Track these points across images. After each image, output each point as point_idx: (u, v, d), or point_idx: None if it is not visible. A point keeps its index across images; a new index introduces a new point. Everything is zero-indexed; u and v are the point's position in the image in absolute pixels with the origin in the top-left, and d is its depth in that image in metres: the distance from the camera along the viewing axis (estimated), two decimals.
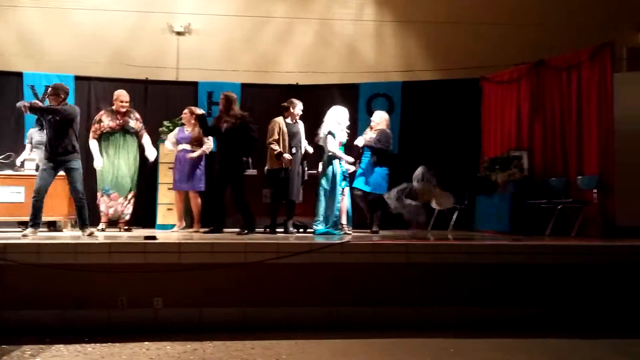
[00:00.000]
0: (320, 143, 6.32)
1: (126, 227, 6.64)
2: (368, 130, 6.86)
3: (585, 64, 6.85)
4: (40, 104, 6.20)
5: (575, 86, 6.96)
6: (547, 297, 4.55)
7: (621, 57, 8.24)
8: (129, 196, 6.62)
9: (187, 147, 6.83)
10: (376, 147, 6.58)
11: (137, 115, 6.80)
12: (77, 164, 5.63)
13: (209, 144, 6.90)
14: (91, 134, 6.65)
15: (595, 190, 6.49)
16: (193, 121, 6.83)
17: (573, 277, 4.58)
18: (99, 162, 6.55)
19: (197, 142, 6.85)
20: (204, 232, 6.39)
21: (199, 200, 6.87)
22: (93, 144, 6.60)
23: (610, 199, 6.46)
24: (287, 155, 6.27)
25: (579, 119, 6.89)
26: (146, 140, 6.79)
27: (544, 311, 4.51)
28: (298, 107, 6.58)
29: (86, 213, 5.63)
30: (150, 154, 6.75)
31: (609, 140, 6.50)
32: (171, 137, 7.06)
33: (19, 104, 5.73)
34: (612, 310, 4.50)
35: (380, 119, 6.83)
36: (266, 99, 8.56)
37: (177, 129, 7.14)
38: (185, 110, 7.02)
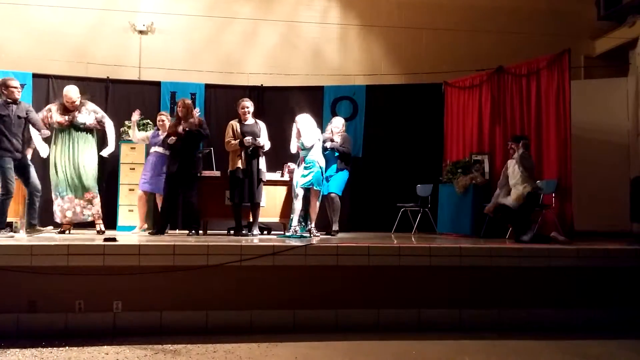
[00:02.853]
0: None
1: (99, 230, 6.12)
2: (329, 134, 6.83)
3: (544, 71, 7.06)
4: None
5: (534, 92, 7.17)
6: (508, 298, 4.66)
7: (578, 65, 8.55)
8: (88, 197, 6.09)
9: (160, 150, 6.73)
10: (344, 150, 6.68)
11: (93, 108, 6.24)
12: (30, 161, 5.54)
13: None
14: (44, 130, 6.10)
15: (554, 195, 6.68)
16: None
17: (535, 279, 4.70)
18: (43, 152, 6.13)
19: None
20: (150, 234, 6.25)
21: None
22: (37, 135, 6.06)
23: (569, 203, 6.66)
24: (247, 138, 6.26)
25: (538, 124, 7.09)
26: (109, 128, 6.26)
27: (504, 312, 4.61)
28: (240, 107, 6.47)
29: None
30: (109, 146, 6.26)
31: (567, 145, 6.70)
32: (144, 136, 7.07)
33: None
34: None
35: (342, 125, 6.95)
36: (230, 100, 8.49)
37: (151, 131, 7.11)
38: (163, 117, 6.93)
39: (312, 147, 6.42)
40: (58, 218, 6.12)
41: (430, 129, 8.46)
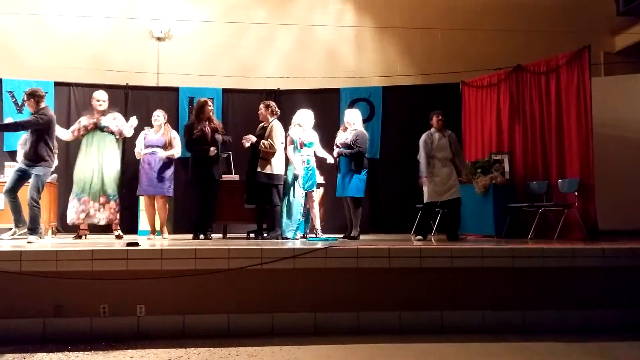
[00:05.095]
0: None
1: (117, 235, 6.34)
2: (341, 131, 6.61)
3: (563, 69, 6.98)
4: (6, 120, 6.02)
5: (554, 90, 7.08)
6: (532, 299, 4.61)
7: (598, 62, 8.43)
8: (102, 200, 6.21)
9: (156, 150, 6.52)
10: (353, 151, 6.35)
11: (117, 116, 6.48)
12: (38, 170, 5.54)
13: (178, 149, 6.71)
14: (70, 132, 6.41)
15: (576, 194, 6.59)
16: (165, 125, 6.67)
17: (560, 279, 4.64)
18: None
19: (168, 147, 6.59)
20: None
21: (167, 205, 6.74)
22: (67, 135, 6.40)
23: (592, 202, 6.55)
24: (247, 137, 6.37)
25: (559, 122, 7.00)
26: (126, 130, 6.42)
27: (529, 314, 4.56)
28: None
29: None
30: (127, 129, 6.39)
31: (589, 143, 6.60)
32: (139, 143, 6.68)
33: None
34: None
35: (355, 118, 6.55)
36: (247, 104, 8.57)
37: (141, 134, 6.71)
38: (159, 114, 6.69)
39: (310, 145, 6.38)
40: (71, 219, 6.24)
41: (448, 129, 8.39)
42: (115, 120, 6.39)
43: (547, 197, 6.96)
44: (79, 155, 6.34)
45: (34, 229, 5.53)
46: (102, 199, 6.21)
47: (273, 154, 6.26)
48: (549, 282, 4.63)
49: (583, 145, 6.65)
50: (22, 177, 5.58)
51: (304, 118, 6.45)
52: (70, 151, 8.05)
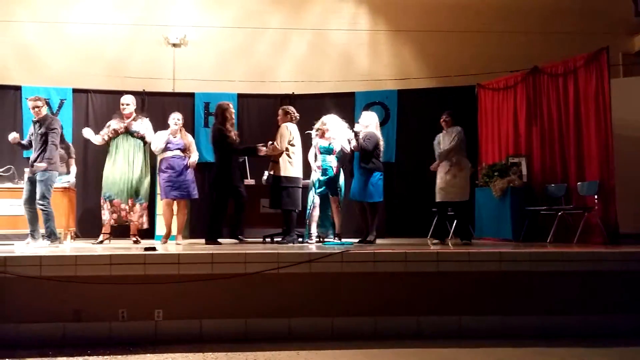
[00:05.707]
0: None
1: (135, 240, 6.39)
2: (356, 134, 6.45)
3: (581, 70, 6.89)
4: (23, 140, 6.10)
5: (572, 92, 6.99)
6: (552, 304, 4.54)
7: (617, 63, 8.32)
8: (131, 203, 6.30)
9: (179, 153, 6.51)
10: (355, 147, 6.31)
11: (147, 124, 6.53)
12: (42, 175, 5.62)
13: (197, 152, 6.75)
14: (101, 137, 6.48)
15: (596, 196, 6.49)
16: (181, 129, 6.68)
17: (581, 284, 4.57)
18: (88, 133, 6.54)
19: (187, 151, 6.60)
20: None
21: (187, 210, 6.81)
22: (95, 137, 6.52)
23: (612, 204, 6.45)
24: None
25: (577, 124, 6.91)
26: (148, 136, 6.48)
27: (549, 318, 4.50)
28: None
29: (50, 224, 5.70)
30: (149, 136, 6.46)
31: (609, 145, 6.50)
32: (161, 142, 6.51)
33: (11, 138, 5.93)
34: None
35: (368, 120, 6.48)
36: (262, 109, 8.60)
37: (161, 136, 6.55)
38: (179, 117, 6.64)
39: (331, 151, 6.42)
40: (106, 222, 6.35)
41: (464, 132, 8.34)
42: (142, 126, 6.48)
43: (566, 200, 6.87)
44: (108, 158, 6.42)
45: (50, 233, 5.65)
46: (130, 202, 6.32)
47: (280, 155, 6.26)
48: (569, 287, 4.56)
49: (603, 147, 6.55)
50: (33, 184, 5.68)
51: (328, 123, 6.52)
52: (88, 158, 8.16)
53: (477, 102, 8.40)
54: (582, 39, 8.06)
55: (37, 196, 5.61)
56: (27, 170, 6.09)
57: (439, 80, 8.89)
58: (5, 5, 8.65)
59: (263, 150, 6.39)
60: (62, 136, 6.82)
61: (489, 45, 8.82)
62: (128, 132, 6.37)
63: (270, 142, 6.33)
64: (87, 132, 6.56)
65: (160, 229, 7.53)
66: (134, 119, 6.45)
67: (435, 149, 6.77)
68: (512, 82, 7.84)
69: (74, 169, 7.21)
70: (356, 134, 6.39)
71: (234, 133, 6.48)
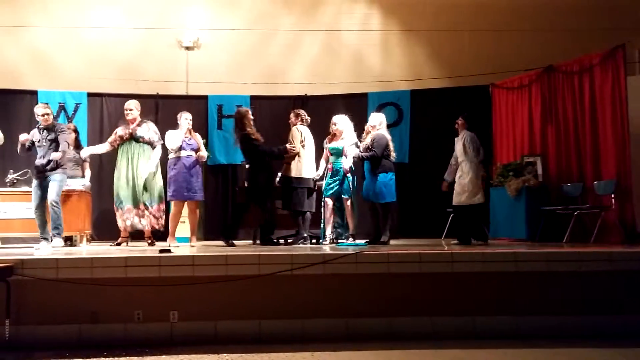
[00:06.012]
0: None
1: (149, 242, 6.40)
2: (363, 136, 6.47)
3: (597, 68, 6.82)
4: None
5: (587, 90, 6.92)
6: (567, 304, 4.49)
7: (633, 60, 8.20)
8: (142, 207, 6.31)
9: (192, 154, 6.48)
10: (368, 154, 6.21)
11: (153, 128, 6.52)
12: (56, 176, 5.79)
13: (205, 152, 6.77)
14: (108, 144, 6.53)
15: (613, 196, 6.41)
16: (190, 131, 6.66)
17: (596, 284, 4.51)
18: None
19: (199, 150, 6.60)
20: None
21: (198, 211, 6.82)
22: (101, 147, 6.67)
23: (629, 203, 6.38)
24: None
25: (593, 123, 6.84)
26: (155, 152, 6.44)
27: (564, 319, 4.44)
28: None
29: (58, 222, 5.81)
30: (150, 164, 6.33)
31: (625, 144, 6.43)
32: (179, 140, 6.43)
33: (22, 138, 6.00)
34: None
35: (377, 121, 6.41)
36: (275, 111, 8.62)
37: (178, 135, 6.48)
38: (190, 117, 6.63)
39: (341, 151, 6.42)
40: (122, 228, 6.39)
41: (478, 132, 8.25)
42: (149, 132, 6.45)
43: (582, 200, 6.79)
44: (116, 165, 6.43)
45: (57, 229, 5.75)
46: (141, 207, 6.33)
47: (293, 157, 6.35)
48: (586, 287, 4.51)
49: (619, 145, 6.47)
50: (44, 190, 5.79)
51: (339, 123, 6.56)
52: (103, 161, 8.23)
53: (491, 102, 8.33)
54: (598, 36, 7.97)
55: (52, 195, 5.71)
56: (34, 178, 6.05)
57: (452, 80, 8.84)
58: (21, 11, 8.77)
59: (290, 150, 6.42)
60: (77, 140, 7.01)
61: (503, 44, 8.75)
62: (133, 137, 6.37)
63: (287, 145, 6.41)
64: (87, 150, 6.77)
65: (180, 231, 7.48)
66: (139, 124, 6.44)
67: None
68: (527, 81, 7.78)
69: (88, 172, 7.28)
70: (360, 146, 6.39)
71: (258, 135, 6.50)
